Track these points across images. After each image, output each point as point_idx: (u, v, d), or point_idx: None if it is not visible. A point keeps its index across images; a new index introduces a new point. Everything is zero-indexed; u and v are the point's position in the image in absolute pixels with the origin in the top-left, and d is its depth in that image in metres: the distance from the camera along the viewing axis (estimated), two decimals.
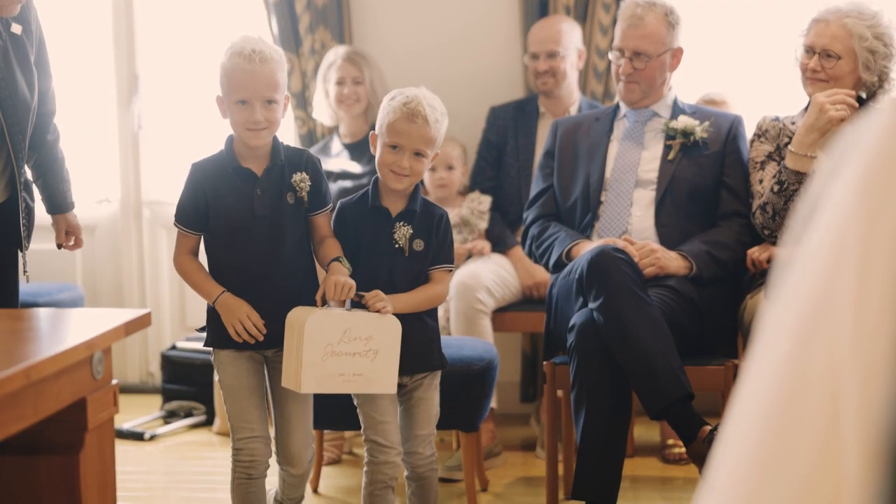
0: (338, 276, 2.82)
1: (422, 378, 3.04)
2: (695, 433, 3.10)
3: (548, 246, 3.73)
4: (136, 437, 4.67)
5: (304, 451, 3.03)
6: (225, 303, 2.91)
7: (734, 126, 3.74)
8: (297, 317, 2.81)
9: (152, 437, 4.69)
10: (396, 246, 2.95)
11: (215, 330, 2.97)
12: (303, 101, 5.01)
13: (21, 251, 3.19)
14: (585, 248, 3.57)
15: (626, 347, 3.14)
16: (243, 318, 2.88)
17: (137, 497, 4.03)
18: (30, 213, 3.22)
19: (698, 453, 3.04)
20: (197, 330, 3.05)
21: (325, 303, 2.84)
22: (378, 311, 2.86)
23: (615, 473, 3.23)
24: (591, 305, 3.22)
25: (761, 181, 3.62)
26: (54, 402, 2.20)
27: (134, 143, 5.46)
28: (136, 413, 5.00)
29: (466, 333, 4.21)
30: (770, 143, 3.63)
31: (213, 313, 2.97)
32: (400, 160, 2.91)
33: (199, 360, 4.86)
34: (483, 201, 4.55)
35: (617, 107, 3.90)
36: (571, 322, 3.29)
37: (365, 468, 3.04)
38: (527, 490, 4.07)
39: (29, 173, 3.29)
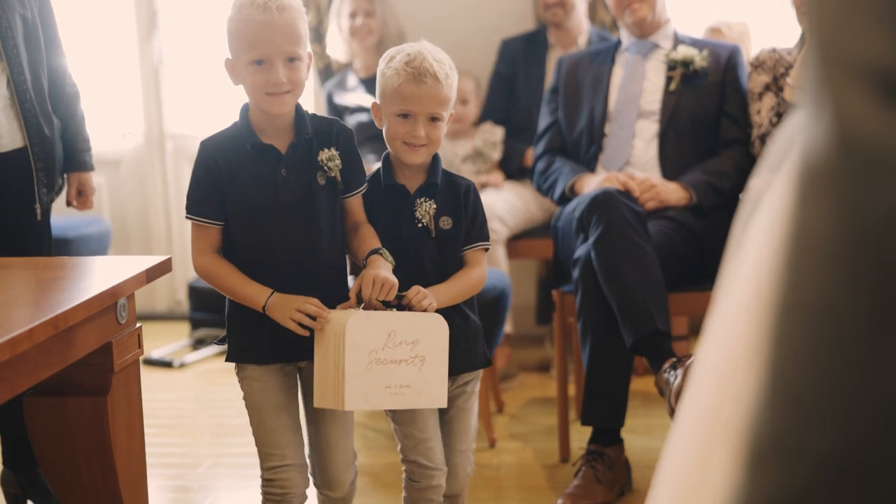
0: (377, 271, 2.37)
1: (464, 384, 2.65)
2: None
3: (553, 180, 3.84)
4: (166, 364, 4.85)
5: (345, 472, 2.60)
6: (278, 302, 2.41)
7: (732, 55, 3.82)
8: (333, 321, 2.37)
9: (181, 365, 4.87)
10: (420, 225, 2.52)
11: (237, 342, 2.52)
12: (319, 36, 5.10)
13: (38, 202, 3.20)
14: (588, 182, 3.68)
15: (611, 284, 3.27)
16: (301, 304, 2.39)
17: (168, 424, 4.21)
18: (48, 162, 3.22)
19: (659, 384, 3.17)
20: (216, 342, 2.67)
21: (360, 301, 2.40)
22: (424, 310, 2.43)
23: (621, 398, 3.38)
24: (589, 242, 3.35)
25: (759, 112, 3.70)
26: (82, 348, 2.35)
27: (155, 78, 5.58)
28: (165, 340, 5.18)
29: None
30: (767, 74, 3.71)
31: (233, 322, 2.52)
32: (414, 129, 2.46)
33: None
34: (495, 132, 4.64)
35: (619, 41, 3.98)
36: (576, 255, 3.41)
37: (404, 493, 2.67)
38: (542, 410, 4.23)
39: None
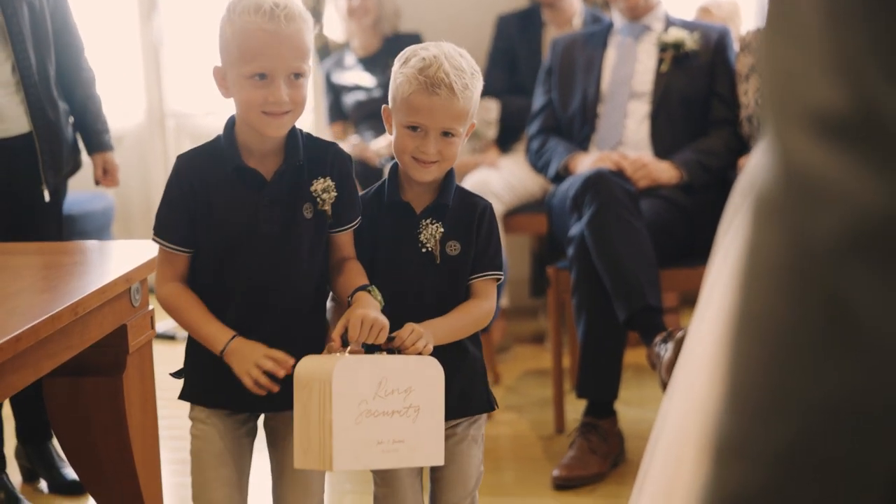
0: (366, 311, 2.06)
1: (455, 426, 2.27)
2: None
3: (547, 159, 3.95)
4: (169, 338, 4.96)
5: None
6: (238, 349, 2.12)
7: (721, 36, 3.91)
8: (315, 368, 2.03)
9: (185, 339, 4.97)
10: (424, 250, 2.21)
11: (191, 379, 2.26)
12: (316, 15, 5.18)
13: (44, 184, 3.29)
14: (581, 161, 3.79)
15: (604, 262, 3.39)
16: (260, 358, 2.09)
17: (174, 396, 4.32)
18: (54, 146, 3.30)
19: (650, 358, 3.30)
20: (172, 374, 2.31)
21: (345, 344, 2.08)
22: (419, 353, 2.10)
23: (615, 372, 3.51)
24: (583, 221, 3.46)
25: (746, 92, 3.80)
26: (98, 330, 2.46)
27: (155, 57, 5.67)
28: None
29: None
30: (753, 56, 3.80)
31: (191, 356, 2.26)
32: (423, 145, 2.16)
33: None
34: (490, 109, 4.73)
35: (611, 23, 4.07)
36: (570, 233, 3.53)
37: None
38: (537, 381, 4.36)
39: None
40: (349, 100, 4.83)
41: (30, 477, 3.54)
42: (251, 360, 2.09)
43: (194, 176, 2.15)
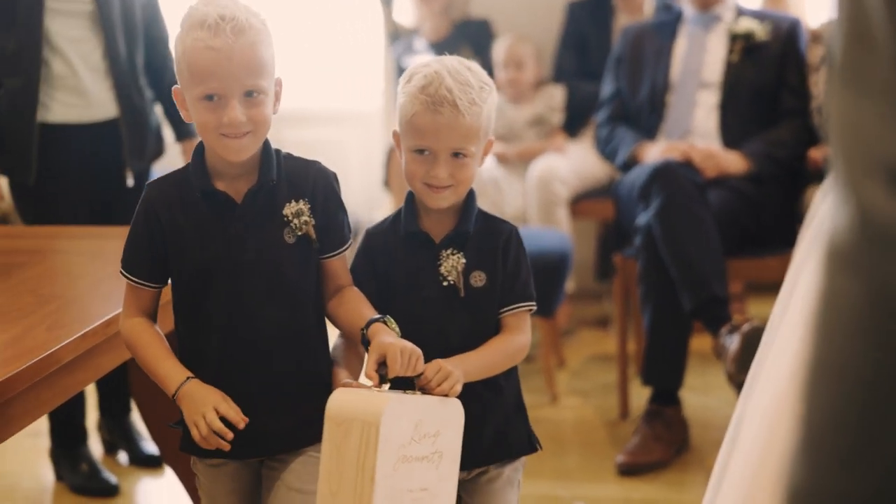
0: (399, 341, 1.87)
1: (483, 472, 2.07)
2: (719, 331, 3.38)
3: (614, 147, 3.99)
4: None
5: None
6: (189, 393, 1.91)
7: (792, 26, 3.91)
8: (356, 406, 1.83)
9: None
10: (445, 283, 2.02)
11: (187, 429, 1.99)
12: (386, 0, 5.24)
13: (128, 169, 3.38)
14: (649, 151, 3.83)
15: (671, 252, 3.43)
16: (209, 412, 1.88)
17: None
18: (138, 131, 3.40)
19: (716, 349, 3.34)
20: (170, 426, 2.08)
21: (382, 380, 1.87)
22: (445, 394, 1.89)
23: (680, 360, 3.56)
24: (650, 212, 3.50)
25: (817, 83, 3.81)
26: None
27: None
28: None
29: (544, 223, 4.50)
30: (825, 48, 3.80)
31: None
32: (433, 169, 1.98)
33: None
34: (556, 95, 4.77)
35: (681, 12, 4.09)
36: (638, 223, 3.57)
37: None
38: (601, 366, 4.41)
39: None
40: None
41: (110, 449, 3.67)
42: (207, 403, 1.89)
43: (161, 205, 1.95)
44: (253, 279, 1.93)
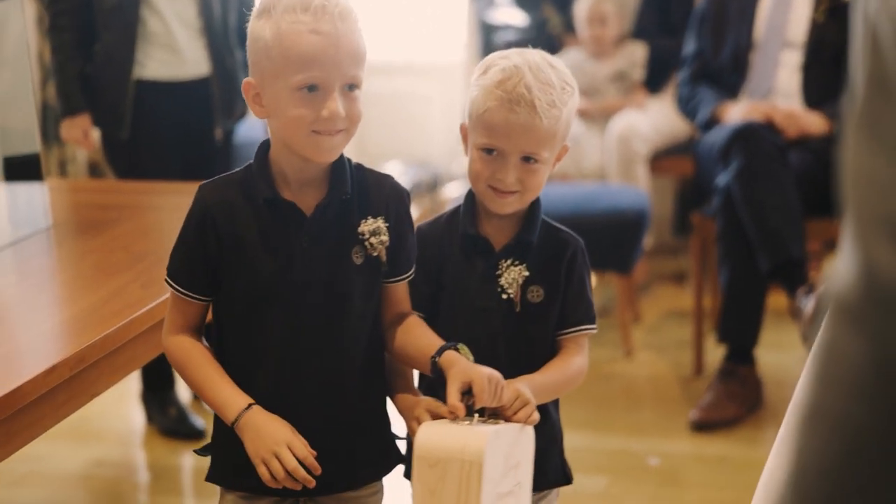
0: (487, 369, 1.70)
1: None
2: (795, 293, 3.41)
3: (695, 106, 4.00)
4: None
5: None
6: (254, 424, 1.71)
7: None
8: (452, 443, 1.64)
9: None
10: (505, 296, 1.85)
11: (221, 457, 1.83)
12: None
13: (217, 127, 3.49)
14: (731, 110, 3.83)
15: (749, 214, 3.46)
16: (282, 450, 1.69)
17: None
18: (228, 90, 3.48)
19: (792, 310, 3.37)
20: (196, 451, 1.89)
21: (470, 412, 1.70)
22: (522, 422, 1.74)
23: (756, 320, 3.60)
24: (730, 174, 3.52)
25: None
26: None
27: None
28: None
29: (623, 180, 4.53)
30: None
31: (220, 430, 1.81)
32: (500, 171, 1.82)
33: None
34: (637, 51, 4.77)
35: None
36: (717, 182, 3.59)
37: None
38: (676, 322, 4.45)
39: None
40: (499, 39, 4.91)
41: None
42: (272, 441, 1.69)
43: (218, 210, 1.74)
44: (316, 301, 1.74)
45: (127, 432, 3.73)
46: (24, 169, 2.72)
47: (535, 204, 1.89)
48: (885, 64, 0.67)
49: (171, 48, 3.41)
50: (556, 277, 1.87)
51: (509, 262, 1.86)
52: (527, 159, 1.81)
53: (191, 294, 1.77)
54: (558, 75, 1.82)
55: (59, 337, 2.10)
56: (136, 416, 3.75)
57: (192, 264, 1.76)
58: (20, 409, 1.84)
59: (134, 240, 2.63)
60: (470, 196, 1.90)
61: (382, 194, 1.78)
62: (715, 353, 3.82)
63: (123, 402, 3.86)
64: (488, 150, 1.82)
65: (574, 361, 1.87)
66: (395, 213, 1.78)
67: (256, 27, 1.71)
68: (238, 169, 1.78)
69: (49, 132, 4.85)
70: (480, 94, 1.81)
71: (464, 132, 1.89)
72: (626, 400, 3.81)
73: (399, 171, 5.09)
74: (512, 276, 1.85)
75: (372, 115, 6.02)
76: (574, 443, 3.48)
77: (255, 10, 1.73)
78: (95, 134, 3.56)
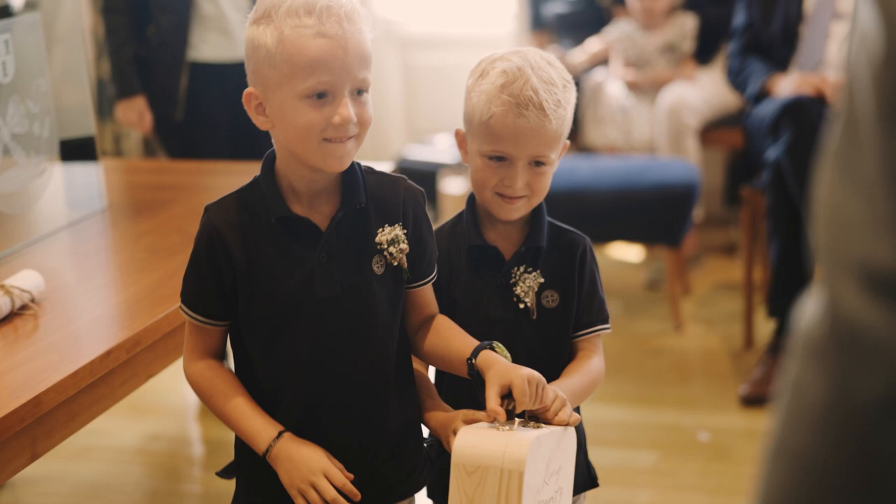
0: (527, 370, 1.62)
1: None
2: None
3: (745, 78, 3.98)
4: None
5: None
6: (287, 453, 1.66)
7: None
8: (489, 450, 1.57)
9: None
10: (522, 305, 1.81)
11: (246, 482, 1.78)
12: None
13: None
14: (781, 83, 3.81)
15: (800, 190, 3.44)
16: (319, 479, 1.64)
17: None
18: None
19: None
20: (218, 474, 1.83)
21: (510, 416, 1.62)
22: (563, 424, 1.66)
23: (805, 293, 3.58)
24: (780, 148, 3.50)
25: None
26: None
27: None
28: None
29: (673, 152, 4.52)
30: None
31: (244, 453, 1.74)
32: (509, 178, 1.76)
33: (428, 172, 5.24)
34: (687, 23, 4.74)
35: None
36: (767, 156, 3.58)
37: None
38: (727, 295, 4.44)
39: None
40: (550, 10, 4.90)
41: None
42: (308, 471, 1.64)
43: (228, 234, 1.66)
44: (336, 318, 1.66)
45: (182, 407, 3.79)
46: (79, 150, 2.77)
47: (540, 207, 1.84)
48: (855, 106, 0.67)
49: (224, 31, 3.46)
50: (570, 279, 1.82)
51: (522, 269, 1.81)
52: (535, 163, 1.77)
53: (208, 321, 1.70)
54: (558, 72, 1.77)
55: (114, 320, 2.14)
56: (190, 390, 3.80)
57: (205, 290, 1.68)
58: (79, 392, 1.89)
59: (188, 221, 2.66)
60: (471, 204, 1.85)
61: (398, 199, 1.71)
62: (765, 327, 3.82)
63: (179, 376, 3.90)
64: (496, 158, 1.76)
65: (593, 363, 1.82)
66: (412, 218, 1.72)
67: (256, 34, 1.62)
68: (244, 185, 1.71)
69: (103, 108, 4.92)
70: (482, 100, 1.74)
71: (460, 139, 1.83)
72: (676, 374, 3.82)
73: (448, 145, 5.10)
74: (527, 284, 1.80)
75: (420, 88, 6.05)
76: (624, 418, 3.54)
77: (251, 15, 1.64)
78: (149, 116, 3.61)
